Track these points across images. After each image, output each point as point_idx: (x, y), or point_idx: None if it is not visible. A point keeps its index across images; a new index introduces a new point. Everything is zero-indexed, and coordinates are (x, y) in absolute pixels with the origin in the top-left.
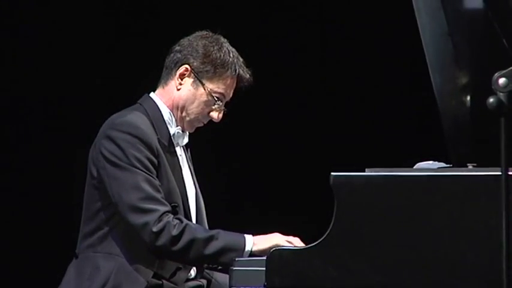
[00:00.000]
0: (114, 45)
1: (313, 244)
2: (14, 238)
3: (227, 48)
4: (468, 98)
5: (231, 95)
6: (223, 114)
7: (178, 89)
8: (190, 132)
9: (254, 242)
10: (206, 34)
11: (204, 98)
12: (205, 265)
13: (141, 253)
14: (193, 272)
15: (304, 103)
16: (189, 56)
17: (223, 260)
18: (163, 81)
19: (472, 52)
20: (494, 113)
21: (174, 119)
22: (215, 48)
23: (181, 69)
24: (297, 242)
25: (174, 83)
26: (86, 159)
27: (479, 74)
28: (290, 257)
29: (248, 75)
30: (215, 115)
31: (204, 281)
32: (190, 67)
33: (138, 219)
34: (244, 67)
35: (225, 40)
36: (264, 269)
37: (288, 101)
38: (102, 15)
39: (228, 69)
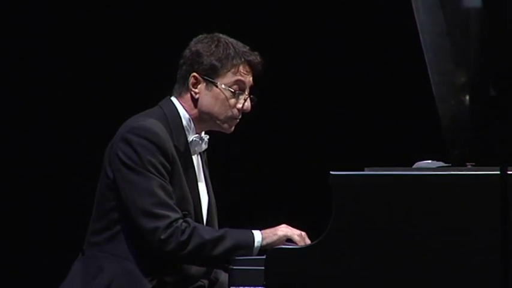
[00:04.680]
0: (136, 46)
1: (312, 243)
2: (22, 232)
3: (225, 41)
4: (467, 97)
5: (250, 82)
6: (254, 102)
7: (196, 98)
8: (230, 131)
9: (263, 237)
10: (202, 37)
11: (223, 95)
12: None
13: (147, 257)
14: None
15: (303, 102)
16: (193, 65)
17: (234, 258)
18: (179, 92)
19: (470, 51)
20: (493, 112)
21: (193, 126)
22: (213, 46)
23: (191, 79)
24: (303, 235)
25: (190, 94)
26: (97, 157)
27: (478, 73)
28: (289, 256)
29: (257, 58)
30: (244, 106)
31: (206, 281)
32: (198, 73)
33: (148, 224)
34: (250, 51)
35: (222, 35)
36: (263, 268)
37: (286, 100)
38: (125, 13)
39: (233, 59)
